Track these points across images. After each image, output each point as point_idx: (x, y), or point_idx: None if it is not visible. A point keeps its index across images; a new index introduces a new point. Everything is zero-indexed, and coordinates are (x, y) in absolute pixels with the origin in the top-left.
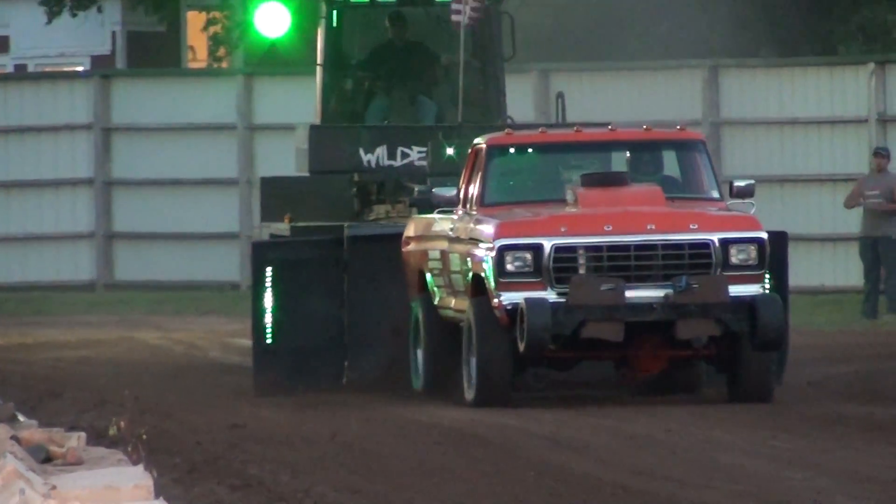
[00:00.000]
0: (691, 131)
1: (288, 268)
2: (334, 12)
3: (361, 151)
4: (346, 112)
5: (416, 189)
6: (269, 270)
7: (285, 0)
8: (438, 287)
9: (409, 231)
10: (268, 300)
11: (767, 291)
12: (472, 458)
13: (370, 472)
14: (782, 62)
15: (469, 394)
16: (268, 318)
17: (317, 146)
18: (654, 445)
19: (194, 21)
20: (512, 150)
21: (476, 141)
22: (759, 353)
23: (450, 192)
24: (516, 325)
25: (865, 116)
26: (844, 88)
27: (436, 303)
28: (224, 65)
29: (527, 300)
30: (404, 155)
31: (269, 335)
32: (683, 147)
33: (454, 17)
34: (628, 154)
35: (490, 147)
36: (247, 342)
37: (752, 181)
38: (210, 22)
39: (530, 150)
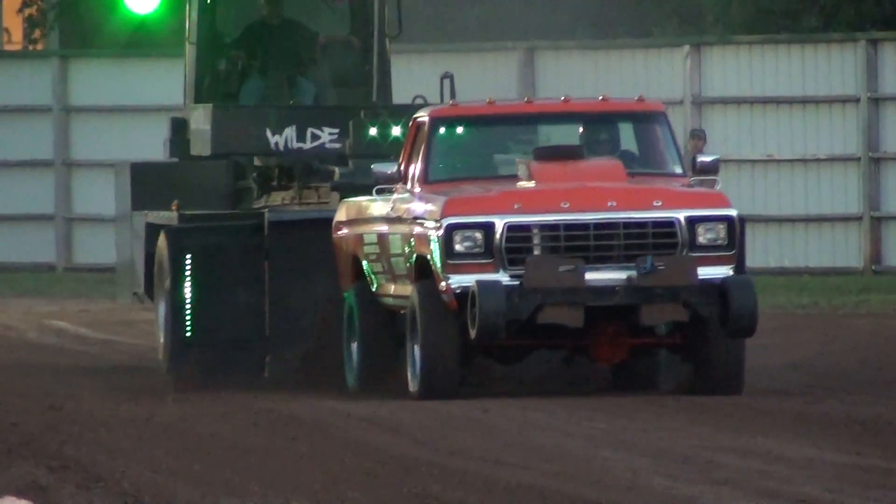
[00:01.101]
0: (651, 102)
1: (207, 255)
2: None
3: (269, 133)
4: (219, 93)
5: (338, 172)
6: (188, 258)
7: None
8: (376, 273)
9: (341, 215)
10: (186, 290)
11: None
12: (289, 438)
13: (187, 453)
14: (598, 44)
15: (413, 385)
16: (187, 310)
17: (220, 127)
18: (472, 426)
19: (10, 3)
20: (457, 123)
21: (418, 114)
22: (731, 340)
23: (390, 168)
24: (467, 310)
25: (681, 98)
26: (660, 71)
27: (373, 290)
28: (39, 46)
29: (479, 283)
30: (315, 137)
31: (188, 328)
32: (643, 119)
33: None
34: (582, 127)
35: (434, 119)
36: (64, 324)
37: (717, 156)
38: (25, 4)
39: (477, 122)
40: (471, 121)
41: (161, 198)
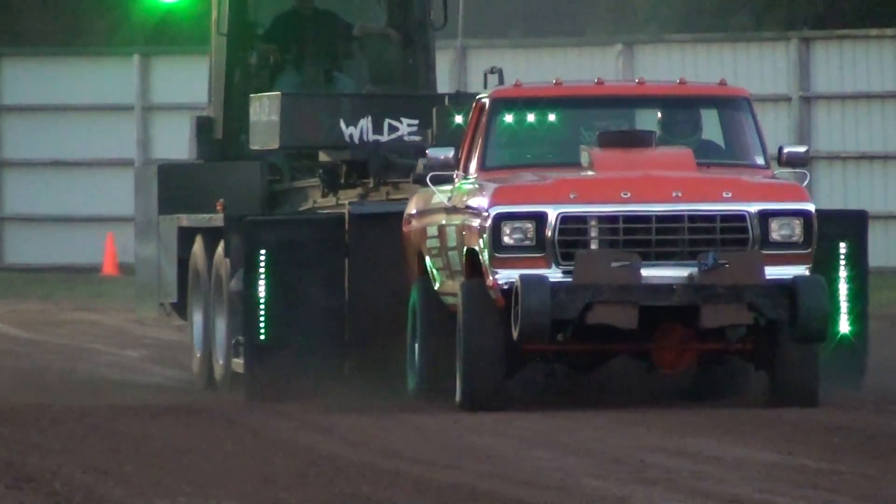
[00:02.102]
0: (734, 87)
1: (284, 251)
2: None
3: (342, 123)
4: (251, 88)
5: (422, 163)
6: (262, 253)
7: None
8: (438, 269)
9: (411, 207)
10: (261, 289)
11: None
12: (220, 439)
13: (118, 453)
14: (530, 42)
15: (457, 394)
16: (261, 310)
17: (291, 117)
18: (403, 426)
19: None
20: (520, 105)
21: (480, 95)
22: (802, 346)
23: (446, 153)
24: (511, 308)
25: None
26: (593, 69)
27: (436, 288)
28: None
29: (522, 277)
30: (392, 128)
31: (262, 330)
32: (723, 104)
33: None
34: (660, 113)
35: (495, 101)
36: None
37: (806, 147)
38: None
39: (542, 104)
40: (535, 102)
41: (190, 201)
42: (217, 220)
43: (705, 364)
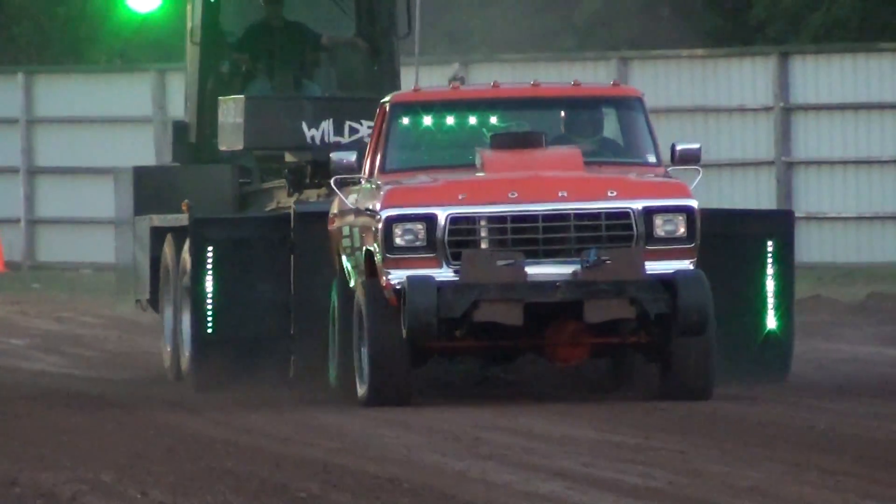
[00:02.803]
0: (626, 87)
1: (231, 248)
2: None
3: (304, 126)
4: (224, 95)
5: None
6: (209, 250)
7: None
8: (352, 268)
9: (333, 207)
10: (208, 285)
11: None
12: (98, 417)
13: (2, 432)
14: None
15: (361, 390)
16: (208, 305)
17: (254, 119)
18: (263, 407)
19: None
20: (419, 109)
21: (383, 99)
22: (695, 340)
23: (349, 156)
24: (401, 307)
25: None
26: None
27: (351, 285)
28: None
29: (409, 278)
30: (353, 130)
31: (209, 324)
32: (616, 104)
33: None
34: (562, 113)
35: (395, 105)
36: None
37: (699, 145)
38: None
39: (440, 108)
40: (433, 106)
41: (164, 202)
42: (183, 220)
43: (600, 357)
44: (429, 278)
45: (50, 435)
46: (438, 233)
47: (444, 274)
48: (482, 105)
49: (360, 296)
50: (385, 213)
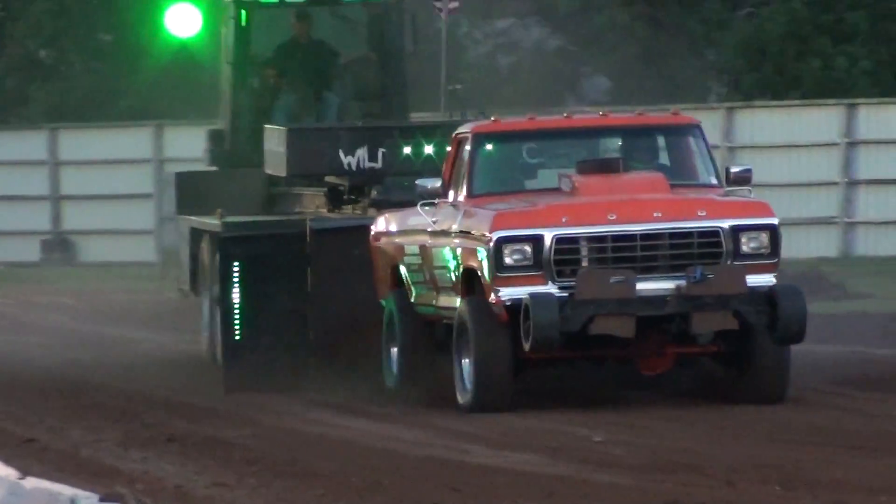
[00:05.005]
0: (685, 115)
1: (254, 263)
2: (243, 11)
3: (341, 153)
4: (255, 108)
5: (374, 191)
6: (235, 265)
7: (195, 0)
8: (416, 283)
9: (380, 226)
10: (235, 296)
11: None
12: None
13: None
14: None
15: (463, 398)
16: (235, 314)
17: (295, 150)
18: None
19: None
20: (499, 138)
21: (459, 129)
22: (776, 348)
23: (433, 183)
24: (520, 322)
25: None
26: None
27: (412, 300)
28: None
29: (532, 295)
30: (385, 157)
31: (237, 331)
32: (678, 132)
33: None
34: (621, 141)
35: (476, 135)
36: None
37: (750, 167)
38: None
39: (518, 137)
40: (512, 136)
41: (203, 203)
42: (217, 226)
43: (682, 366)
44: (550, 295)
45: None
46: (545, 252)
47: (551, 290)
48: (556, 134)
49: (463, 312)
50: (496, 235)
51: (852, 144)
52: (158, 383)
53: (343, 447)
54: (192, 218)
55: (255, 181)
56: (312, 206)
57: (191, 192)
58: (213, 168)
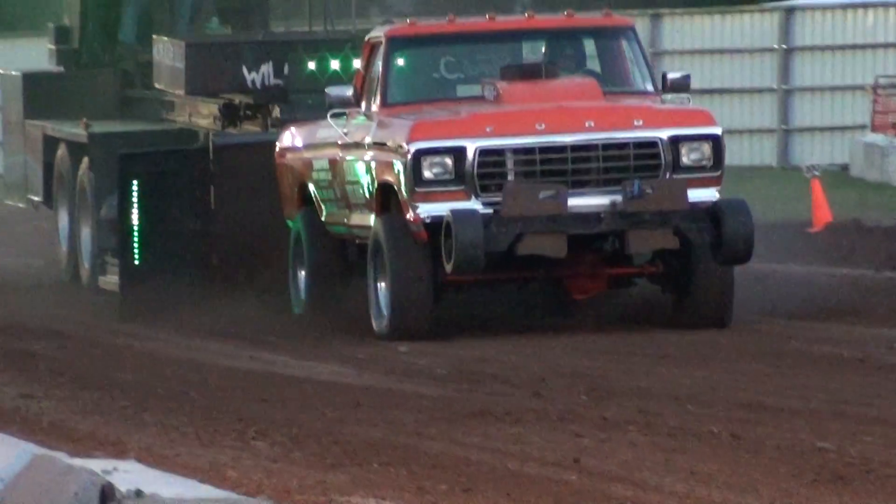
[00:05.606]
0: (619, 17)
1: (154, 181)
2: None
3: (244, 69)
4: (105, 2)
5: (278, 109)
6: (135, 184)
7: None
8: (326, 201)
9: (286, 140)
10: (133, 217)
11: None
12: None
13: None
14: None
15: (378, 324)
16: (134, 236)
17: (195, 65)
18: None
19: None
20: (415, 42)
21: (371, 34)
22: (720, 269)
23: (346, 91)
24: (441, 242)
25: None
26: None
27: (322, 219)
28: None
29: (453, 212)
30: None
31: (136, 254)
32: (611, 35)
33: None
34: (545, 44)
35: (391, 39)
36: None
37: (688, 73)
38: None
39: (436, 41)
40: (430, 39)
41: (54, 108)
42: (81, 136)
43: (615, 288)
44: (474, 212)
45: None
46: (467, 165)
47: (475, 206)
48: (478, 37)
49: (378, 231)
50: (414, 146)
51: (789, 51)
52: None
53: (149, 359)
54: (47, 124)
55: (108, 84)
56: (184, 114)
57: (39, 95)
58: (60, 69)
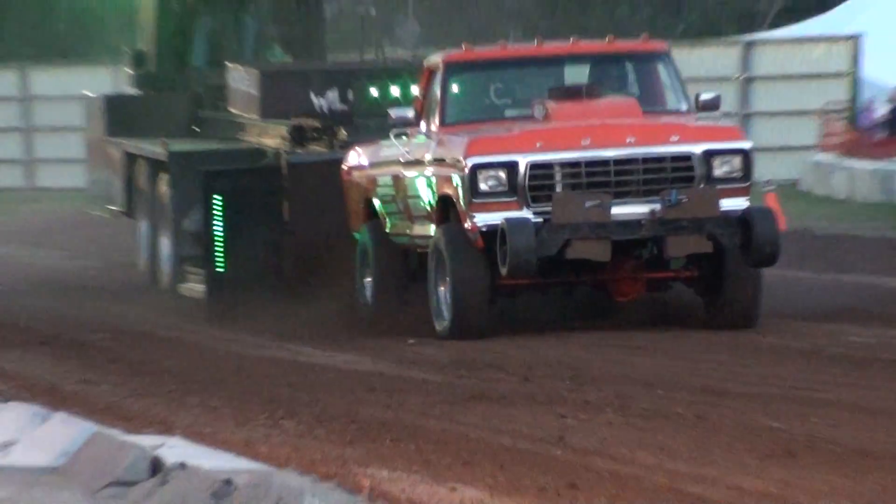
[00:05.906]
0: (655, 42)
1: (236, 196)
2: None
3: (312, 95)
4: (176, 27)
5: (343, 131)
6: (218, 198)
7: None
8: (390, 214)
9: (352, 159)
10: (217, 229)
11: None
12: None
13: None
14: None
15: (440, 325)
16: (217, 247)
17: (269, 92)
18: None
19: None
20: (470, 67)
21: (430, 59)
22: (748, 273)
23: (406, 112)
24: (496, 248)
25: None
26: None
27: (387, 230)
28: None
29: (507, 220)
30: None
31: (219, 263)
32: (648, 58)
33: None
34: (592, 68)
35: (448, 64)
36: None
37: (718, 94)
38: None
39: (489, 65)
40: (483, 64)
41: (132, 126)
42: (160, 154)
43: (654, 291)
44: (526, 220)
45: None
46: (520, 178)
47: (527, 216)
48: (528, 61)
49: (438, 240)
50: (471, 161)
51: (749, 80)
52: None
53: (193, 350)
54: (127, 142)
55: (182, 106)
56: (254, 134)
57: (119, 115)
58: (139, 92)
